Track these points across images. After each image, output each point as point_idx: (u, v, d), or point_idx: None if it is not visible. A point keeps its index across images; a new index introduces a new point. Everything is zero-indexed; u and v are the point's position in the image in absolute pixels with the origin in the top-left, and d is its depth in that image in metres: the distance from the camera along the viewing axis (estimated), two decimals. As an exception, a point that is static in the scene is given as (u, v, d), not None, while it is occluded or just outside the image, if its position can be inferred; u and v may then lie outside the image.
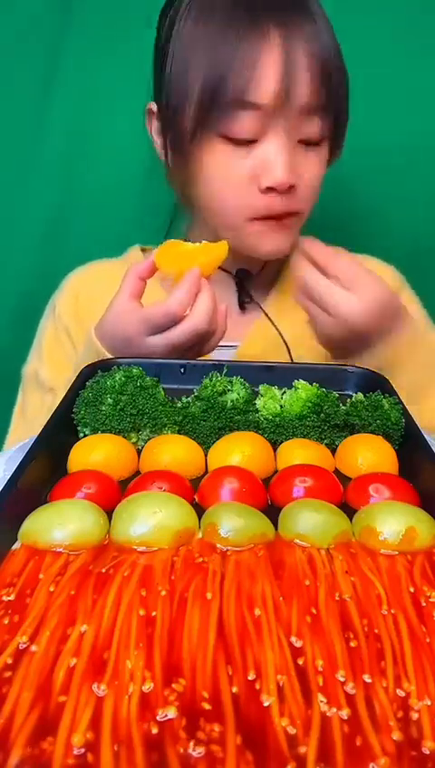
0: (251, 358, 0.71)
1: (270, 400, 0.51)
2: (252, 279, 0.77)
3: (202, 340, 0.60)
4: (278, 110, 0.60)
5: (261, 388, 0.52)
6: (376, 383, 0.55)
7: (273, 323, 0.74)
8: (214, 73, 0.60)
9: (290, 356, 0.73)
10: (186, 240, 0.64)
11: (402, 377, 0.58)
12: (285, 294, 0.78)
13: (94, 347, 0.62)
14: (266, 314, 0.75)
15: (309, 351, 0.67)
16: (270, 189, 0.62)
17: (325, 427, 0.49)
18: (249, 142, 0.63)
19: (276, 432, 0.49)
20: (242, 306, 0.78)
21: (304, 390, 0.51)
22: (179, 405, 0.51)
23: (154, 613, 0.30)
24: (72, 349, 0.81)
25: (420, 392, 0.60)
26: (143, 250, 0.86)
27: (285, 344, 0.73)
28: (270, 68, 0.59)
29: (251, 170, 0.63)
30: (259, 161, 0.63)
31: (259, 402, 0.51)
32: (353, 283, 0.58)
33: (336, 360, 0.62)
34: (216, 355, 0.75)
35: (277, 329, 0.74)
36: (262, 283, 0.78)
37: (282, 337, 0.73)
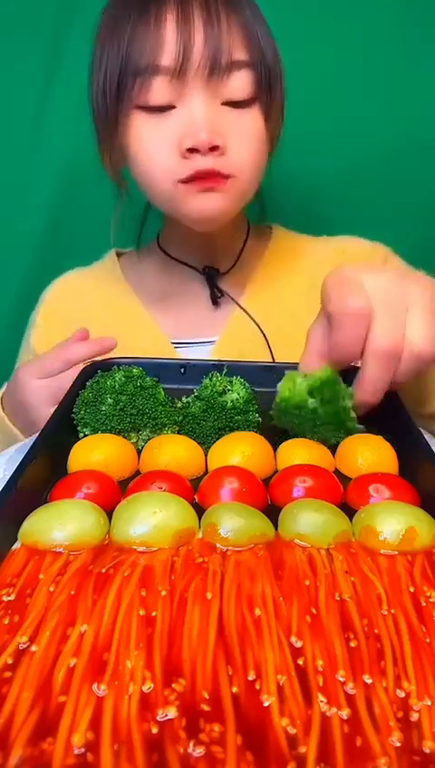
0: (228, 353, 0.70)
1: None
2: (220, 275, 0.77)
3: None
4: (190, 71, 0.60)
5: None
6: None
7: (250, 316, 0.74)
8: (119, 47, 0.61)
9: (270, 348, 0.72)
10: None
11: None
12: (262, 290, 0.77)
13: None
14: (243, 308, 0.75)
15: (286, 344, 0.67)
16: (192, 151, 0.61)
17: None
18: (168, 108, 0.62)
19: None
20: (215, 302, 0.77)
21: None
22: (179, 405, 0.51)
23: (154, 613, 0.30)
24: None
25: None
26: (119, 254, 0.85)
27: (265, 336, 0.73)
28: (169, 29, 0.60)
29: (172, 135, 0.62)
30: (180, 124, 0.62)
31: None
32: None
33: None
34: (192, 351, 0.75)
35: (255, 321, 0.74)
36: (236, 280, 0.78)
37: (260, 329, 0.73)
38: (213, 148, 0.61)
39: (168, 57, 0.60)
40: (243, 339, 0.74)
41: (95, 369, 0.54)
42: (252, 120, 0.64)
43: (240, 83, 0.62)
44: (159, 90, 0.61)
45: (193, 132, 0.60)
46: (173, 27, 0.59)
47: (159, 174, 0.64)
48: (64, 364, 0.60)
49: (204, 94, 0.61)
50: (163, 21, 0.60)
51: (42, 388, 0.61)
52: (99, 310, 0.80)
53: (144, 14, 0.60)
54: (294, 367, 0.59)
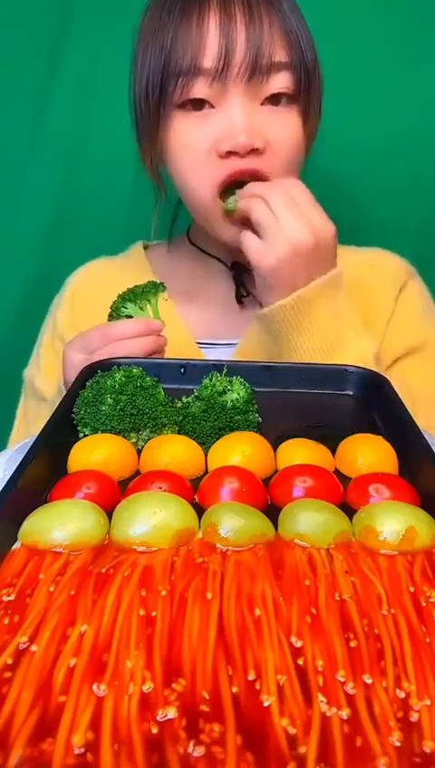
0: (252, 354, 0.70)
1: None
2: (247, 274, 0.77)
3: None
4: (231, 73, 0.61)
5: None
6: (376, 383, 0.55)
7: None
8: (162, 48, 0.62)
9: None
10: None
11: (315, 324, 0.60)
12: None
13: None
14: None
15: None
16: (231, 154, 0.62)
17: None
18: (207, 108, 0.63)
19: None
20: (240, 301, 0.77)
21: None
22: (179, 405, 0.51)
23: (154, 613, 0.30)
24: None
25: (336, 345, 0.61)
26: (146, 247, 0.86)
27: None
28: (211, 31, 0.61)
29: (211, 137, 0.63)
30: (219, 127, 0.62)
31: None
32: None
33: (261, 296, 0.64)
34: (216, 352, 0.75)
35: None
36: None
37: None
38: (251, 151, 0.62)
39: (209, 58, 0.61)
40: (266, 342, 0.73)
41: (95, 369, 0.54)
42: (290, 121, 0.65)
43: (280, 84, 0.63)
44: (199, 90, 0.62)
45: (232, 135, 0.61)
46: (215, 29, 0.60)
47: (198, 182, 0.65)
48: (105, 339, 0.60)
49: (244, 97, 0.62)
50: (205, 22, 0.61)
51: (82, 364, 0.60)
52: None
53: (187, 16, 0.61)
54: (292, 367, 0.59)
